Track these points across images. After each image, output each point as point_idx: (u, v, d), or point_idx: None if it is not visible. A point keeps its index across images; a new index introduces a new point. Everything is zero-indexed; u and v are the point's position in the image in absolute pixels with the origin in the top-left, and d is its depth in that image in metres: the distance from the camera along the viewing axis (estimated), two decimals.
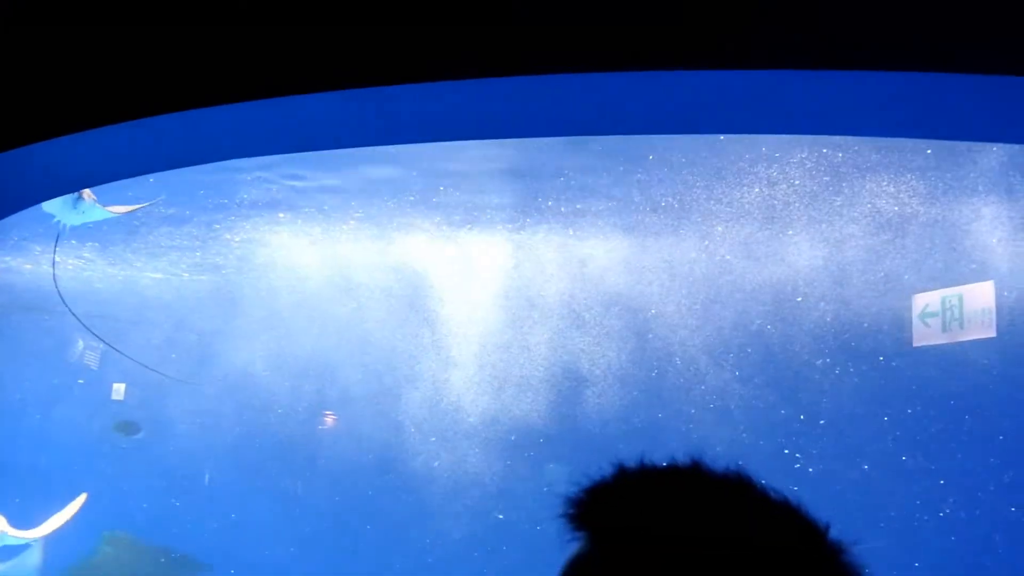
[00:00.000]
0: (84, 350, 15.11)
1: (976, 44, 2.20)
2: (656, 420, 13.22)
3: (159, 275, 13.81)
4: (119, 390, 15.49)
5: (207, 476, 15.17)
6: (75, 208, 8.68)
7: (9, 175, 2.87)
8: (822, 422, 12.69)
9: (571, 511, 1.11)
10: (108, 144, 2.77)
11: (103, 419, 15.27)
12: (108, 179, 3.23)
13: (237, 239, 12.38)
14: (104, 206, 9.09)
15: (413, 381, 14.11)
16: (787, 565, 1.04)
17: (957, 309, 10.15)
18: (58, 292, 10.88)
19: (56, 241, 10.13)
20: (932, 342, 10.34)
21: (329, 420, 15.70)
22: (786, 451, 12.71)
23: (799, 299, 12.20)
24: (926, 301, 10.34)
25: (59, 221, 8.84)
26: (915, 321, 10.41)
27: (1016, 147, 8.45)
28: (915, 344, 10.57)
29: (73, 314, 11.45)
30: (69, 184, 3.35)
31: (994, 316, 9.83)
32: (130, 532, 14.34)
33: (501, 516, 13.97)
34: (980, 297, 10.04)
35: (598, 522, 1.10)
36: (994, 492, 11.73)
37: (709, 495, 1.08)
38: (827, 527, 1.08)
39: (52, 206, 8.58)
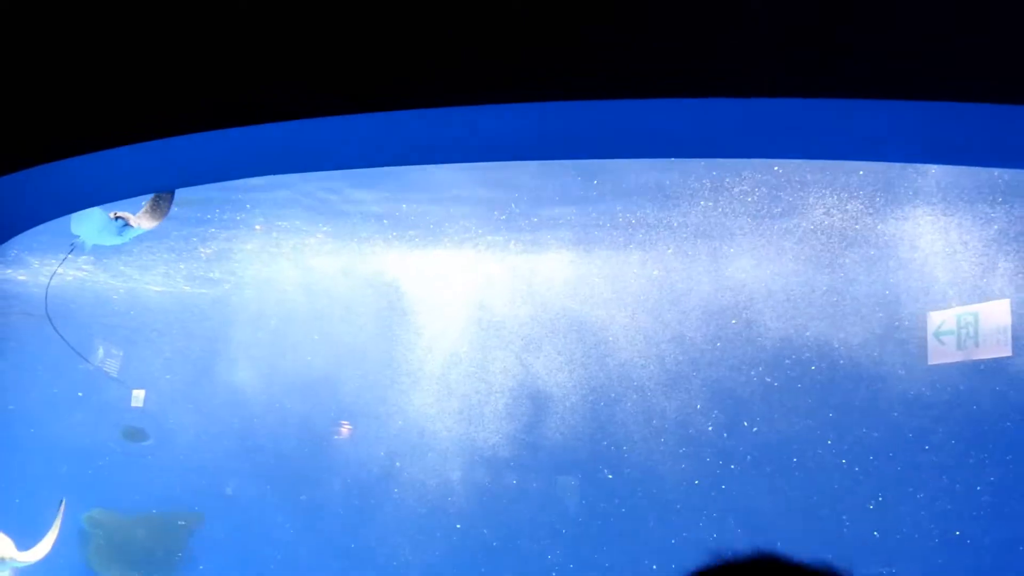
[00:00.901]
0: (105, 357, 15.20)
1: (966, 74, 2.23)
2: (609, 439, 13.38)
3: (159, 288, 14.02)
4: (138, 396, 15.47)
5: (229, 488, 15.45)
6: (120, 234, 8.07)
7: (32, 191, 2.95)
8: (755, 429, 12.81)
9: None
10: (123, 163, 2.85)
11: (111, 426, 15.46)
12: (123, 196, 3.32)
13: (208, 251, 12.51)
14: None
15: (384, 401, 14.46)
16: None
17: (972, 327, 10.05)
18: (45, 304, 10.91)
19: (65, 256, 9.93)
20: (947, 360, 10.26)
21: (344, 430, 15.80)
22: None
23: (733, 321, 12.22)
24: (941, 319, 10.22)
25: (83, 241, 8.19)
26: (930, 339, 10.31)
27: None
28: (930, 362, 10.51)
29: (53, 325, 11.52)
30: (88, 200, 3.43)
31: (1010, 334, 9.76)
32: (105, 508, 14.75)
33: (459, 526, 14.31)
34: (996, 315, 9.96)
35: None
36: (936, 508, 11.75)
37: None
38: None
39: (88, 232, 8.04)
